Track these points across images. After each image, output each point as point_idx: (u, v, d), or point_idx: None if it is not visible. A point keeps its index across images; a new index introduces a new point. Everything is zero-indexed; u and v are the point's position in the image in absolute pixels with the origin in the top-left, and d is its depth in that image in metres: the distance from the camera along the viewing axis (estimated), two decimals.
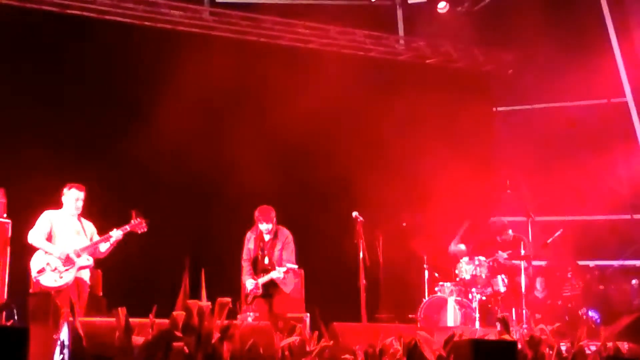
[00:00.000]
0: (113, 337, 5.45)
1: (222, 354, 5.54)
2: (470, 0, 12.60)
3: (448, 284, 10.30)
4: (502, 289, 10.17)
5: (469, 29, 12.53)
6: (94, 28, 10.66)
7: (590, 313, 11.32)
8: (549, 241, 10.35)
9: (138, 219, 8.22)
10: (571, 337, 6.88)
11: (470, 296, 10.14)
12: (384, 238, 10.43)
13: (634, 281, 11.61)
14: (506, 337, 6.77)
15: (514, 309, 9.95)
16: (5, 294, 8.34)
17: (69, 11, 10.64)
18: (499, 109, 13.53)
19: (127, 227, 8.19)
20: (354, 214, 9.27)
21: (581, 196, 12.13)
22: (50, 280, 7.91)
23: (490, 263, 10.24)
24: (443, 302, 10.17)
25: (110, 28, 10.77)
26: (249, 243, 8.91)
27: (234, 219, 9.55)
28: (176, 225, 10.44)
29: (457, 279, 10.30)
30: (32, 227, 8.13)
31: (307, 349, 6.02)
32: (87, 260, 8.08)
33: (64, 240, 8.08)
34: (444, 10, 12.32)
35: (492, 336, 6.83)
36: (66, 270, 7.94)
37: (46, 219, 8.14)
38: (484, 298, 10.13)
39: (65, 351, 5.57)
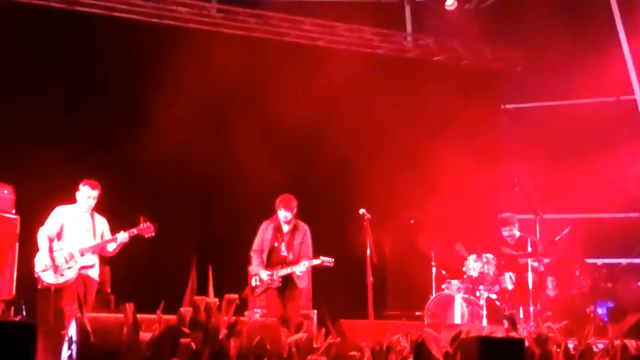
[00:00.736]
0: (121, 333, 5.46)
1: (229, 350, 5.55)
2: None
3: (455, 282, 10.29)
4: (510, 287, 10.15)
5: (477, 26, 12.51)
6: (101, 25, 10.67)
7: (599, 310, 11.31)
8: (556, 239, 10.31)
9: (147, 222, 8.21)
10: (579, 335, 6.87)
11: (477, 293, 10.13)
12: (391, 235, 10.44)
13: None
14: (513, 334, 6.77)
15: (521, 307, 9.93)
16: (14, 289, 8.38)
17: (77, 8, 10.66)
18: (507, 106, 13.50)
19: (135, 231, 8.19)
20: (361, 211, 9.26)
21: (589, 194, 12.10)
22: (51, 277, 7.93)
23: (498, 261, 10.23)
24: (450, 300, 10.16)
25: (118, 25, 10.79)
26: (266, 233, 8.74)
27: (241, 216, 9.57)
28: (184, 222, 10.47)
29: (465, 277, 10.29)
30: (40, 223, 8.14)
31: (314, 345, 6.03)
32: (90, 260, 8.06)
33: (73, 237, 8.09)
34: (452, 8, 12.29)
35: (499, 334, 6.82)
36: (68, 268, 7.95)
37: (56, 217, 8.14)
38: (491, 296, 10.12)
39: (74, 347, 5.58)
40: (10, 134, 9.89)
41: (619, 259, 12.27)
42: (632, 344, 6.89)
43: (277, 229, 8.75)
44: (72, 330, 5.67)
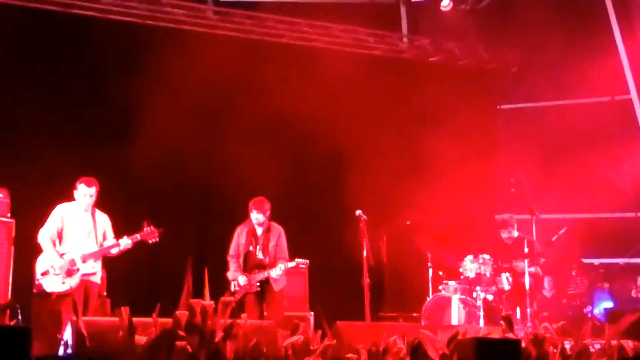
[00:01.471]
0: (116, 337, 5.45)
1: (225, 353, 5.55)
2: None
3: (452, 283, 10.29)
4: (507, 288, 10.15)
5: (473, 27, 12.53)
6: (97, 27, 10.66)
7: (596, 310, 11.32)
8: (553, 239, 10.32)
9: (150, 227, 8.13)
10: (575, 336, 6.87)
11: (474, 295, 10.12)
12: (388, 236, 10.42)
13: (639, 279, 11.59)
14: (510, 335, 6.77)
15: (518, 308, 9.93)
16: (9, 294, 8.34)
17: (72, 10, 10.65)
18: (503, 107, 13.51)
19: (138, 236, 8.08)
20: (358, 212, 9.27)
21: (585, 194, 12.10)
22: (52, 284, 7.81)
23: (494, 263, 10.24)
24: (447, 301, 10.16)
25: (113, 27, 10.77)
26: (240, 238, 8.72)
27: (237, 219, 9.53)
28: (179, 225, 10.45)
29: (462, 278, 10.29)
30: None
31: (311, 347, 6.03)
32: (92, 267, 7.95)
33: (74, 241, 7.99)
34: (448, 8, 12.30)
35: (496, 335, 6.83)
36: (69, 276, 7.83)
37: (57, 216, 8.04)
38: (488, 297, 10.12)
39: (69, 351, 5.57)
40: (6, 137, 9.87)
41: (616, 259, 12.27)
42: (628, 344, 6.89)
43: (251, 233, 8.72)
44: (67, 334, 5.66)
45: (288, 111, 10.74)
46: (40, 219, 8.14)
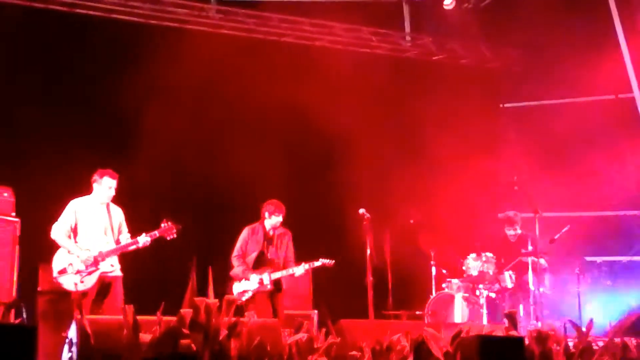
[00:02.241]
0: (121, 335, 5.47)
1: (229, 351, 5.56)
2: None
3: (455, 281, 10.31)
4: (510, 285, 10.17)
5: (476, 26, 12.50)
6: (100, 27, 10.68)
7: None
8: (556, 237, 10.32)
9: (169, 223, 8.09)
10: (579, 333, 6.87)
11: (477, 292, 10.15)
12: (391, 235, 10.43)
13: None
14: (513, 333, 6.78)
15: (521, 305, 9.94)
16: (14, 292, 8.36)
17: (76, 10, 10.67)
18: (506, 105, 13.50)
19: (156, 233, 8.04)
20: (361, 211, 9.28)
21: (588, 192, 12.09)
22: (70, 283, 7.79)
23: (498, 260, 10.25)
24: (450, 299, 10.18)
25: (116, 27, 10.79)
26: (250, 239, 8.83)
27: (241, 218, 9.55)
28: (183, 224, 10.45)
29: (465, 275, 10.31)
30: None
31: (315, 345, 6.04)
32: (110, 266, 7.93)
33: (90, 237, 7.96)
34: (450, 7, 12.27)
35: (499, 332, 6.84)
36: (88, 274, 7.82)
37: (70, 211, 7.99)
38: (491, 294, 10.13)
39: (74, 349, 5.59)
40: (10, 137, 9.89)
41: (619, 257, 12.27)
42: (632, 341, 6.89)
43: (266, 234, 8.83)
44: (72, 333, 5.68)
45: (291, 110, 10.76)
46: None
